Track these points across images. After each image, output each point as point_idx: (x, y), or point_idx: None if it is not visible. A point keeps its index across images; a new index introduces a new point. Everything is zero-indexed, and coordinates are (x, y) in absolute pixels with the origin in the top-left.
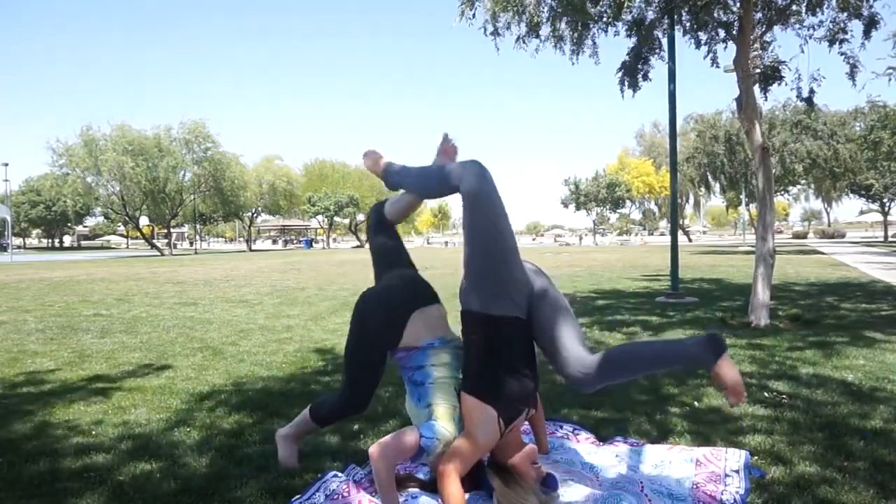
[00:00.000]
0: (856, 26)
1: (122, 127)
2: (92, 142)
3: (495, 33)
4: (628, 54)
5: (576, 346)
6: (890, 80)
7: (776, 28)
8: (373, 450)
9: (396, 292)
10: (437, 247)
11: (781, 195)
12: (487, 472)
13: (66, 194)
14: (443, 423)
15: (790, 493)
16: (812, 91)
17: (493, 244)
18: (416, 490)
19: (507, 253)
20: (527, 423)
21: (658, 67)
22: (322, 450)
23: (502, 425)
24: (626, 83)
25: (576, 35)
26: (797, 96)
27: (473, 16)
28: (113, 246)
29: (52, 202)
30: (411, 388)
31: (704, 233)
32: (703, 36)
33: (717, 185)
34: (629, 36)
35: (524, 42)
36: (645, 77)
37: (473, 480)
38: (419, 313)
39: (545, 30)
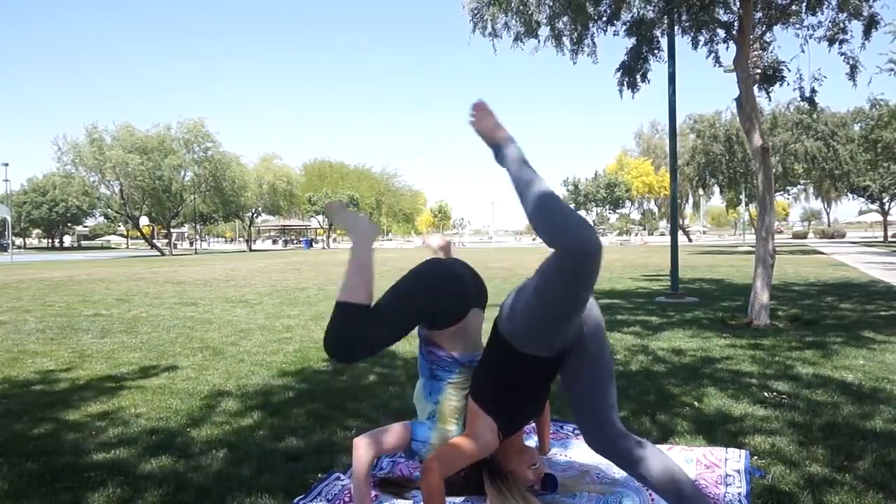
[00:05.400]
0: (856, 27)
1: (128, 127)
2: (99, 139)
3: (493, 34)
4: (627, 54)
5: (599, 417)
6: (892, 73)
7: (776, 28)
8: (357, 440)
9: (470, 282)
10: None
11: (781, 195)
12: (484, 473)
13: (69, 193)
14: (443, 424)
15: (791, 494)
16: (814, 91)
17: (568, 308)
18: (417, 491)
19: (573, 314)
20: (531, 422)
21: (657, 68)
22: (323, 448)
23: (501, 436)
24: (626, 84)
25: (575, 35)
26: (800, 96)
27: (485, 26)
28: (113, 246)
29: (56, 202)
30: (427, 379)
31: (704, 233)
32: (702, 36)
33: (717, 186)
34: (628, 36)
35: (521, 41)
36: (644, 77)
37: (479, 484)
38: (474, 313)
39: (544, 31)
